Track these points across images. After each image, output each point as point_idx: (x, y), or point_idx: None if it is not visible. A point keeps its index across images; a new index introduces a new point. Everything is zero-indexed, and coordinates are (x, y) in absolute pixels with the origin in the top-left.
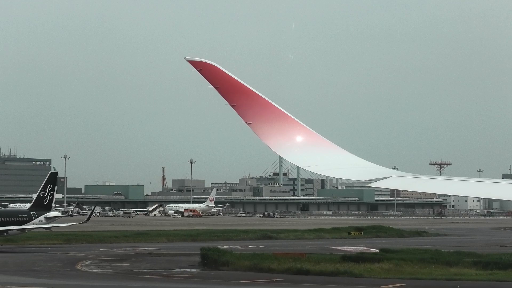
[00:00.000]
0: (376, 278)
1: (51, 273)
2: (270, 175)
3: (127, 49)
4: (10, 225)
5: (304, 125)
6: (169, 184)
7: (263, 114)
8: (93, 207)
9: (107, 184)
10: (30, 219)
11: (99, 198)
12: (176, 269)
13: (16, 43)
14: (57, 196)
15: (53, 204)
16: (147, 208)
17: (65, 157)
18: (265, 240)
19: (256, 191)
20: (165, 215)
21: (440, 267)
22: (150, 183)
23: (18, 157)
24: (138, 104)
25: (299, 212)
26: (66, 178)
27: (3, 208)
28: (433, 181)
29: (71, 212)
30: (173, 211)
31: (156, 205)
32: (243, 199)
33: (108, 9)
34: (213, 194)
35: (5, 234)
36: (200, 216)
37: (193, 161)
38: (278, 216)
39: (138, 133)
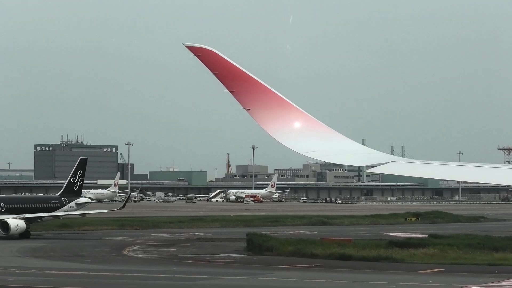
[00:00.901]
0: (416, 263)
1: (96, 258)
2: None
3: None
4: (42, 211)
5: (303, 111)
6: (233, 170)
7: (262, 100)
8: (128, 194)
9: (171, 170)
10: (61, 205)
11: (163, 184)
12: (221, 254)
13: (84, 31)
14: (122, 182)
15: (115, 190)
16: (210, 193)
17: (128, 144)
18: (319, 226)
19: (320, 176)
20: (227, 201)
21: (485, 252)
22: (216, 169)
23: (85, 144)
24: (203, 91)
25: (362, 198)
26: (133, 164)
27: (35, 194)
28: (432, 166)
29: (134, 197)
30: (234, 197)
31: (218, 191)
32: (306, 185)
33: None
34: (274, 180)
35: (39, 220)
36: (261, 201)
37: (255, 147)
38: (340, 202)
39: (203, 119)
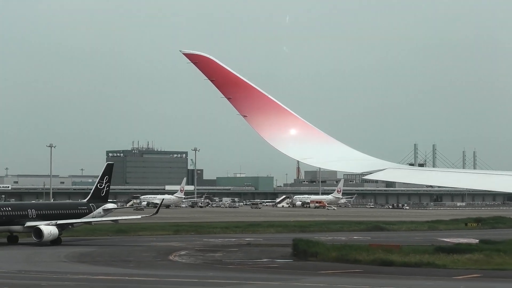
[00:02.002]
0: (458, 269)
1: (140, 263)
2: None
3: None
4: (71, 217)
5: (299, 117)
6: (303, 176)
7: (259, 107)
8: (161, 200)
9: (238, 176)
10: (90, 211)
11: (229, 189)
12: (265, 260)
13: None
14: (189, 188)
15: (181, 196)
16: (276, 199)
17: (195, 150)
18: (375, 232)
19: (389, 182)
20: (293, 206)
21: None
22: (286, 174)
23: (155, 150)
24: None
25: (431, 203)
26: (202, 170)
27: (66, 201)
28: (428, 173)
29: (200, 203)
30: (300, 202)
31: (284, 196)
32: (374, 190)
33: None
34: (340, 185)
35: (70, 227)
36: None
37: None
38: (407, 207)
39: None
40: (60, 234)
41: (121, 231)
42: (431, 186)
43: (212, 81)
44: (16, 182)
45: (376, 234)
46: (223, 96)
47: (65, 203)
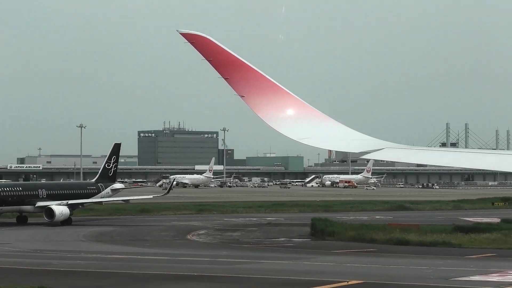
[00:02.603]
0: (473, 248)
1: (157, 242)
2: (439, 145)
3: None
4: (80, 197)
5: (297, 97)
6: (334, 156)
7: (257, 87)
8: (173, 180)
9: (268, 155)
10: (98, 191)
11: (259, 169)
12: (282, 239)
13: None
14: (218, 167)
15: (210, 175)
16: (306, 179)
17: (224, 129)
18: (398, 211)
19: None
20: (323, 186)
21: None
22: (318, 154)
23: (186, 130)
24: (304, 76)
25: (462, 183)
26: (233, 150)
27: (73, 181)
28: (428, 152)
29: (229, 183)
30: (329, 182)
31: (313, 176)
32: (405, 170)
33: None
34: (369, 165)
35: (80, 206)
36: (355, 187)
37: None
38: (437, 187)
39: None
40: (71, 214)
41: (145, 211)
42: None
43: (209, 61)
44: (49, 162)
45: (398, 214)
46: (220, 76)
47: (74, 183)
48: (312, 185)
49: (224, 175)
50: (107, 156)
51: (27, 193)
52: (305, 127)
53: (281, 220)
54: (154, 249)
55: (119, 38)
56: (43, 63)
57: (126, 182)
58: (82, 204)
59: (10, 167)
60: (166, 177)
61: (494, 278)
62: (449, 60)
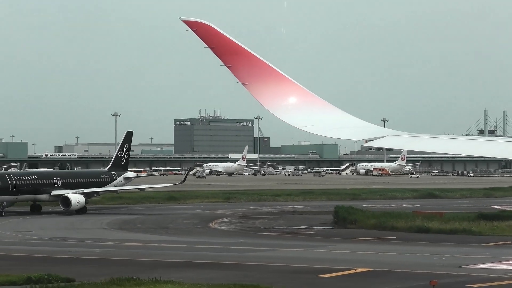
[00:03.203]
0: (493, 235)
1: (178, 230)
2: (477, 133)
3: None
4: (95, 186)
5: (300, 85)
6: None
7: (259, 75)
8: (189, 168)
9: (303, 143)
10: (112, 179)
11: (294, 157)
12: (304, 227)
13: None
14: (253, 156)
15: (243, 163)
16: (340, 167)
17: (258, 118)
18: (427, 199)
19: None
20: (357, 174)
21: None
22: (356, 142)
23: (222, 118)
24: (338, 64)
25: (499, 170)
26: (269, 138)
27: (87, 169)
28: (430, 139)
29: (263, 171)
30: (364, 170)
31: (347, 164)
32: (440, 157)
33: None
34: (404, 152)
35: (95, 195)
36: (389, 175)
37: (386, 119)
38: (472, 175)
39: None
40: (86, 202)
41: (173, 199)
42: None
43: (212, 49)
44: (86, 151)
45: (427, 202)
46: (223, 64)
47: (88, 172)
48: (346, 173)
49: (258, 163)
50: (119, 144)
51: (42, 181)
52: (308, 115)
53: (307, 208)
54: (172, 237)
55: (154, 27)
56: (82, 52)
57: (160, 170)
58: (97, 192)
59: (46, 155)
60: (200, 165)
61: (505, 266)
62: (487, 46)
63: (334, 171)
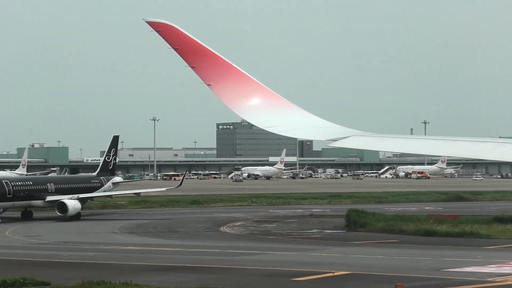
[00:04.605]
0: (501, 238)
1: (187, 234)
2: None
3: None
4: (85, 191)
5: (264, 85)
6: None
7: (223, 76)
8: (185, 172)
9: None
10: (101, 184)
11: (334, 160)
12: (314, 230)
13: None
14: (292, 159)
15: (281, 167)
16: (381, 170)
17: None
18: (453, 202)
19: None
20: (396, 177)
21: None
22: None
23: None
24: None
25: None
26: (312, 141)
27: (80, 174)
28: (392, 140)
29: (302, 174)
30: (403, 173)
31: (387, 167)
32: (485, 160)
33: None
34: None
35: (89, 200)
36: (428, 177)
37: (427, 122)
38: None
39: (383, 93)
40: (81, 208)
41: (196, 202)
42: None
43: (175, 49)
44: (131, 155)
45: (451, 205)
46: (186, 65)
47: (79, 177)
48: (386, 176)
49: (297, 166)
50: (106, 149)
51: (37, 187)
52: (272, 115)
53: (327, 212)
54: (175, 241)
55: (192, 26)
56: (122, 57)
57: (200, 174)
58: (91, 198)
59: (87, 160)
60: (238, 169)
61: (488, 269)
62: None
63: (374, 174)
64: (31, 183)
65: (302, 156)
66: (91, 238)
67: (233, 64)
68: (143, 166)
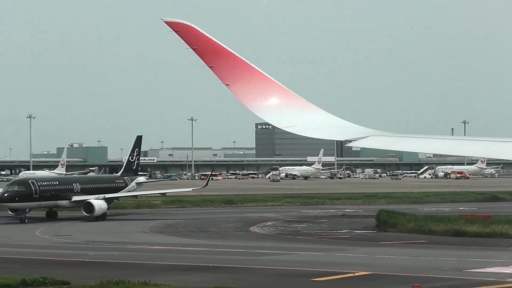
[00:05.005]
0: None
1: (216, 234)
2: None
3: None
4: (110, 191)
5: (282, 85)
6: None
7: (242, 76)
8: (210, 172)
9: None
10: (125, 184)
11: (373, 160)
12: (344, 231)
13: None
14: (329, 159)
15: (319, 167)
16: (420, 170)
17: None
18: (489, 202)
19: None
20: (435, 177)
21: None
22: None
23: None
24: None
25: None
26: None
27: (105, 174)
28: (412, 139)
29: (340, 174)
30: (442, 173)
31: (426, 167)
32: (504, 160)
33: None
34: None
35: (115, 200)
36: (468, 178)
37: (467, 121)
38: None
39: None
40: (107, 208)
41: (229, 202)
42: None
43: (194, 49)
44: (171, 155)
45: (486, 205)
46: (205, 65)
47: (104, 177)
48: (425, 176)
49: (336, 166)
50: (130, 149)
51: (63, 187)
52: (290, 115)
53: (359, 212)
54: (203, 241)
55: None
56: (162, 57)
57: (238, 174)
58: (117, 198)
59: (125, 160)
60: (275, 169)
61: (510, 270)
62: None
63: (413, 174)
64: (57, 183)
65: (342, 156)
66: (120, 237)
67: (252, 64)
68: (181, 166)
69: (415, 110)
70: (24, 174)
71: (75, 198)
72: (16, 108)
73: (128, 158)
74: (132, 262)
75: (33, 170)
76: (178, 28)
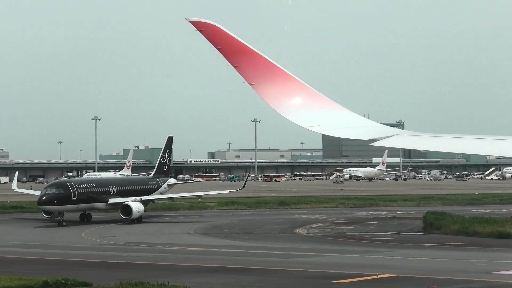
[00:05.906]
0: None
1: (260, 235)
2: None
3: None
4: (145, 193)
5: (306, 85)
6: None
7: (266, 75)
8: (247, 174)
9: None
10: (158, 186)
11: (439, 161)
12: (389, 233)
13: None
14: (395, 160)
15: (383, 168)
16: (487, 171)
17: (399, 122)
18: None
19: None
20: (503, 178)
21: None
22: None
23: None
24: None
25: None
26: None
27: (139, 176)
28: (438, 139)
29: (404, 176)
30: (510, 174)
31: (493, 168)
32: None
33: None
34: None
35: (150, 203)
36: None
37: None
38: None
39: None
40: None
41: (283, 204)
42: None
43: (218, 49)
44: (238, 156)
45: None
46: (229, 64)
47: (138, 179)
48: (491, 178)
49: (400, 167)
50: (161, 151)
51: (99, 189)
52: (314, 115)
53: (411, 214)
54: (243, 242)
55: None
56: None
57: (303, 175)
58: (153, 200)
59: (190, 161)
60: (339, 170)
61: None
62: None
63: (480, 176)
64: (94, 185)
65: (409, 157)
66: (163, 239)
67: (276, 64)
68: (246, 167)
69: (449, 110)
70: (89, 175)
71: (112, 200)
72: (83, 110)
73: (160, 159)
74: (161, 263)
75: (98, 172)
76: (203, 28)
